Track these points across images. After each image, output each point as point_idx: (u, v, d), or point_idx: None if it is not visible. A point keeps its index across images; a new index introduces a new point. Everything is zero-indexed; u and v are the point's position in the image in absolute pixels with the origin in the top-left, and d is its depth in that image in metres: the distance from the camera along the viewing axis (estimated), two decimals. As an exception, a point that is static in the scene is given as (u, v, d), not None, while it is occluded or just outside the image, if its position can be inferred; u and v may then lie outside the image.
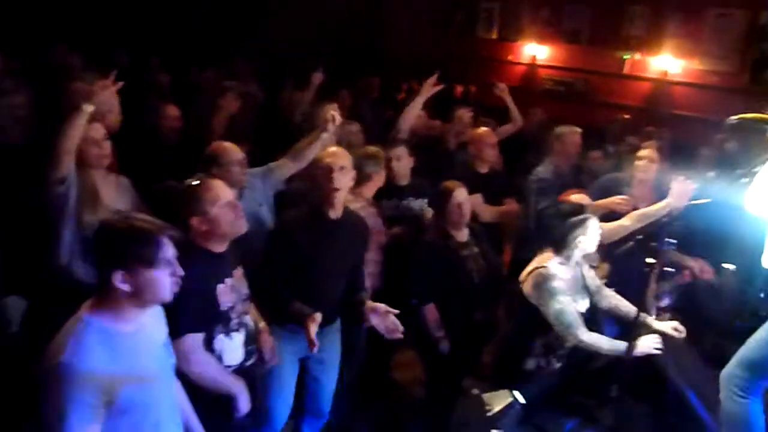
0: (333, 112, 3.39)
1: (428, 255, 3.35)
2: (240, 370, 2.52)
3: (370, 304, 2.80)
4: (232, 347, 2.49)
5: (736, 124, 1.81)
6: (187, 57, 7.34)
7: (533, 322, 3.05)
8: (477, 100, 8.39)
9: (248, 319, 2.59)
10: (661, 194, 3.59)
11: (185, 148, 4.03)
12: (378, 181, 3.57)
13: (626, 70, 8.40)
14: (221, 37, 7.70)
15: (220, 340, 2.43)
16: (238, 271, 2.56)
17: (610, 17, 8.58)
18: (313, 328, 2.57)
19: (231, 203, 2.42)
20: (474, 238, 3.46)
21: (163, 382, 1.98)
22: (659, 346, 2.91)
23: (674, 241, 2.83)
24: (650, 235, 2.86)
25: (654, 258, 2.65)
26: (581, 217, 3.13)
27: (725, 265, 3.56)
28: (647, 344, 2.90)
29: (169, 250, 1.82)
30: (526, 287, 3.08)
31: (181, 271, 1.87)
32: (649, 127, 6.42)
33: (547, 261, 3.08)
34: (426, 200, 3.78)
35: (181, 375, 2.18)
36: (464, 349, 3.37)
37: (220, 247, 2.44)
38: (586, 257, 3.16)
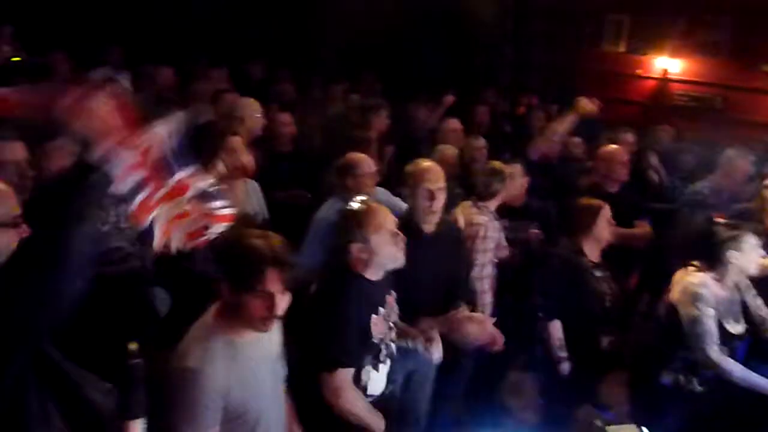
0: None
1: (560, 269, 3.27)
2: (380, 400, 2.51)
3: (466, 313, 2.75)
4: (378, 378, 2.47)
5: None
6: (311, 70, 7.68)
7: (676, 331, 2.89)
8: (599, 114, 8.06)
9: (393, 348, 2.53)
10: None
11: (309, 160, 4.19)
12: (503, 196, 3.54)
13: (772, 85, 7.74)
14: (348, 51, 7.98)
15: (368, 372, 2.40)
16: (391, 297, 2.51)
17: (753, 28, 7.95)
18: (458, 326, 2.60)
19: (394, 233, 2.36)
20: (606, 261, 3.33)
21: (274, 392, 2.03)
22: None
23: None
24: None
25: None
26: (735, 232, 2.92)
27: None
28: None
29: (275, 283, 1.81)
30: (674, 293, 2.92)
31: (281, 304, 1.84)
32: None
33: (700, 273, 2.92)
34: (536, 223, 3.69)
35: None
36: (586, 374, 3.24)
37: (376, 276, 2.39)
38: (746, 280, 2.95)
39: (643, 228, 4.18)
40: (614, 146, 4.40)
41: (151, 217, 1.61)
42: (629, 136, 5.31)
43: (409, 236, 2.84)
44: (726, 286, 2.91)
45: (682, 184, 4.95)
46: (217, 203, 1.67)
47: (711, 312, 2.79)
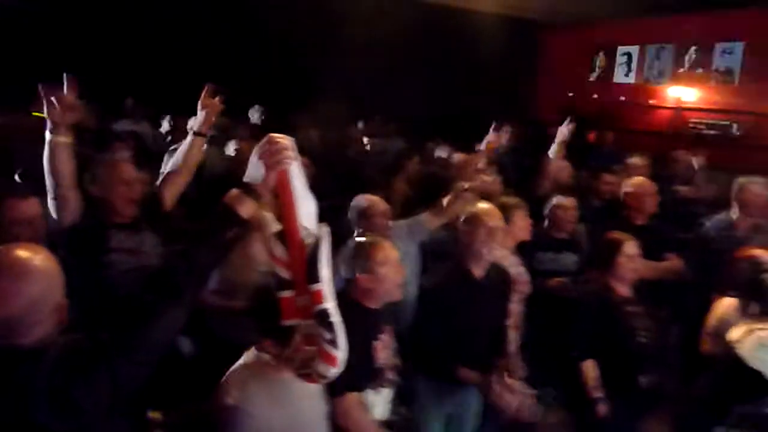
0: (479, 167, 3.40)
1: (590, 306, 3.19)
2: (384, 426, 2.51)
3: (507, 380, 2.75)
4: (379, 402, 2.50)
5: None
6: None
7: (741, 387, 2.76)
8: (613, 146, 8.06)
9: (395, 375, 2.59)
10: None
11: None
12: (520, 231, 3.49)
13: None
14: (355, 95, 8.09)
15: (368, 395, 2.45)
16: (389, 328, 2.60)
17: (765, 54, 7.96)
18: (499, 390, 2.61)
19: (396, 266, 2.46)
20: (638, 295, 3.24)
21: (316, 427, 2.04)
22: None
23: None
24: None
25: None
26: None
27: None
28: None
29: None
30: (745, 349, 2.78)
31: None
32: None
33: (766, 324, 2.77)
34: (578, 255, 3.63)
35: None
36: (625, 414, 3.11)
37: (376, 305, 2.48)
38: None
39: (673, 261, 4.07)
40: (641, 178, 4.33)
41: (292, 323, 1.68)
42: (637, 161, 5.25)
43: (463, 280, 2.89)
44: None
45: (707, 213, 4.87)
46: (329, 335, 1.65)
47: None
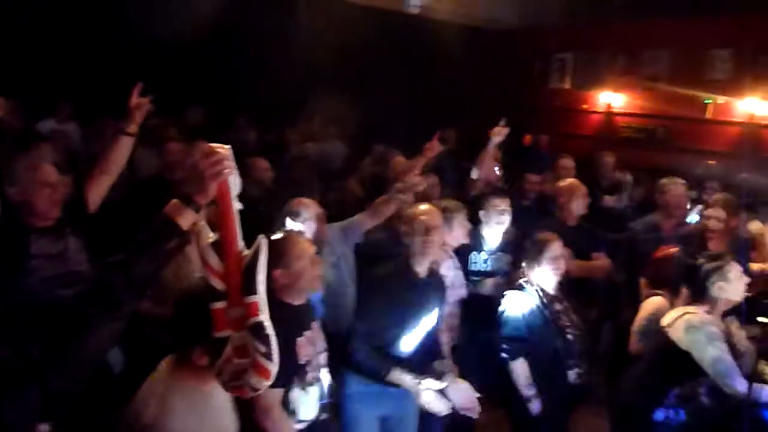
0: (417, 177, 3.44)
1: (518, 307, 3.25)
2: (313, 426, 2.50)
3: (452, 378, 2.78)
4: (307, 402, 2.48)
5: None
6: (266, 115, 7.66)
7: (676, 370, 2.90)
8: (548, 149, 8.32)
9: (324, 373, 2.58)
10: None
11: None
12: (460, 234, 3.53)
13: (709, 114, 8.12)
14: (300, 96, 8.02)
15: (296, 395, 2.43)
16: (315, 324, 2.58)
17: (689, 61, 8.39)
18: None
19: (314, 259, 2.47)
20: (563, 293, 3.33)
21: None
22: None
23: None
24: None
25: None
26: (719, 262, 2.96)
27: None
28: None
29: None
30: (675, 332, 2.91)
31: None
32: (741, 173, 6.15)
33: (695, 306, 2.93)
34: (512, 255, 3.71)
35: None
36: (557, 410, 3.21)
37: (298, 300, 2.47)
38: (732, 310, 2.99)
39: (601, 260, 4.23)
40: (572, 180, 4.47)
41: (223, 334, 1.64)
42: (567, 162, 5.42)
43: (405, 278, 2.89)
44: (717, 318, 2.93)
45: (634, 213, 5.09)
46: (263, 348, 1.63)
47: (725, 346, 2.80)
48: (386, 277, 2.95)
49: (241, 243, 1.64)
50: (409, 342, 2.90)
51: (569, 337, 3.20)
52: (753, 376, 2.28)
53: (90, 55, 7.11)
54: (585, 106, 9.72)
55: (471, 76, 9.87)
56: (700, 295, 2.94)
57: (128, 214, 2.82)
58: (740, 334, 3.01)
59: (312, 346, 2.49)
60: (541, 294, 3.25)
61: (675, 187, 4.34)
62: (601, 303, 4.44)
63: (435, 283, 3.02)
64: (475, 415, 2.71)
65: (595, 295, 4.39)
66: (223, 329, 1.63)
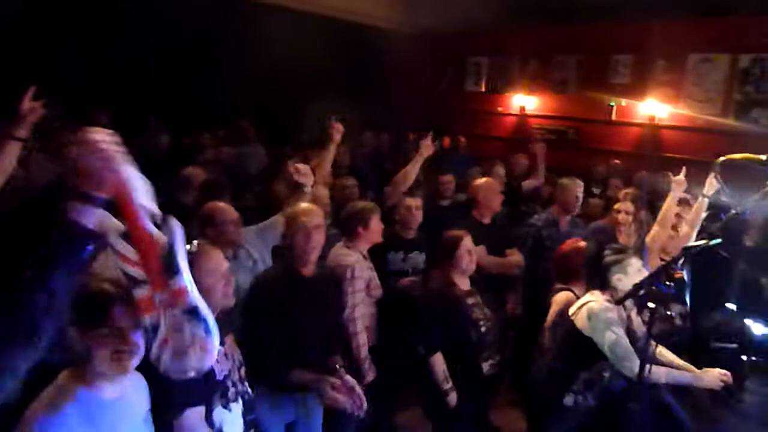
0: (298, 168, 3.41)
1: (434, 303, 3.31)
2: None
3: (340, 375, 2.74)
4: (232, 419, 2.37)
5: (724, 164, 1.83)
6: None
7: (582, 355, 3.03)
8: (466, 150, 8.56)
9: (246, 387, 2.50)
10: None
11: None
12: (373, 235, 3.54)
13: (614, 116, 8.58)
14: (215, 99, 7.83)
15: (219, 413, 2.32)
16: (230, 338, 2.48)
17: (595, 66, 8.83)
18: (332, 392, 2.55)
19: (225, 275, 2.36)
20: (476, 287, 3.42)
21: None
22: (725, 381, 2.93)
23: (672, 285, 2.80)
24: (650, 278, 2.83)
25: (656, 302, 2.60)
26: (620, 256, 3.12)
27: (728, 305, 3.54)
28: (714, 379, 2.92)
29: (122, 318, 1.73)
30: (579, 320, 3.05)
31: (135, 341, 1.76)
32: (641, 171, 6.55)
33: (597, 296, 3.09)
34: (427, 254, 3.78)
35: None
36: (473, 402, 3.29)
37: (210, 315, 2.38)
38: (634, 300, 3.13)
39: (514, 256, 4.38)
40: (486, 179, 4.61)
41: (152, 320, 1.61)
42: (500, 169, 5.61)
43: (290, 279, 2.82)
44: (617, 307, 3.07)
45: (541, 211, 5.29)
46: (203, 328, 1.62)
47: (622, 331, 2.95)
48: (272, 280, 2.89)
49: (152, 228, 1.56)
50: (303, 342, 2.85)
51: (482, 329, 3.28)
52: (647, 359, 2.42)
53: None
54: (500, 109, 10.04)
55: (388, 80, 9.97)
56: (601, 284, 3.11)
57: (24, 224, 2.66)
58: (638, 320, 3.19)
59: (229, 360, 2.40)
60: (455, 289, 3.33)
61: (570, 185, 4.57)
62: (516, 296, 4.60)
63: (323, 281, 2.97)
64: (360, 414, 2.69)
65: (509, 289, 4.55)
66: (151, 311, 1.60)
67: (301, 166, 3.46)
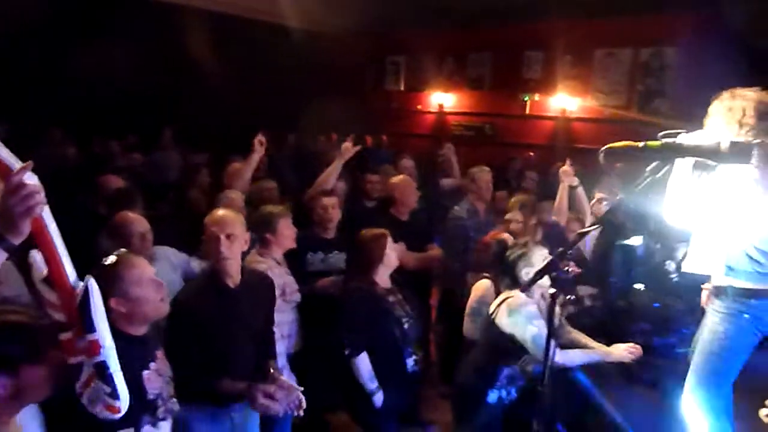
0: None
1: (356, 302, 3.28)
2: None
3: (275, 376, 2.67)
4: None
5: (607, 152, 1.93)
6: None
7: (504, 351, 3.08)
8: (389, 148, 8.62)
9: (174, 404, 2.38)
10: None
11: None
12: (284, 240, 3.46)
13: (528, 111, 8.88)
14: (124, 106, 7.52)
15: (147, 431, 2.22)
16: (161, 353, 2.38)
17: (509, 63, 9.10)
18: (262, 399, 2.50)
19: (155, 282, 2.26)
20: (396, 284, 3.44)
21: None
22: (634, 354, 3.08)
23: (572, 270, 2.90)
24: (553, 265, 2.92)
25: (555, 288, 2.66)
26: (524, 249, 3.18)
27: (636, 285, 3.71)
28: (622, 353, 3.08)
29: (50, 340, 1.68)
30: (500, 317, 3.09)
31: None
32: (557, 162, 6.80)
33: (514, 291, 3.14)
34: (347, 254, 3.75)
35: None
36: (400, 399, 3.29)
37: (140, 330, 2.25)
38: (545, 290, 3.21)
39: (433, 250, 4.43)
40: (403, 176, 4.63)
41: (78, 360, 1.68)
42: (407, 162, 5.65)
43: (214, 291, 2.72)
44: (533, 300, 3.15)
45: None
46: (107, 388, 1.69)
47: (542, 323, 2.97)
48: (196, 294, 2.77)
49: (72, 275, 1.62)
50: (236, 352, 2.77)
51: (405, 326, 3.29)
52: (552, 344, 2.49)
53: None
54: (419, 107, 10.18)
55: (308, 81, 9.91)
56: (514, 281, 3.18)
57: None
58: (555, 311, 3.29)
59: (160, 377, 2.28)
60: (377, 287, 3.32)
61: (482, 174, 4.69)
62: (438, 290, 4.67)
63: (252, 289, 2.87)
64: (300, 413, 2.66)
65: (431, 284, 4.61)
66: (75, 355, 1.65)
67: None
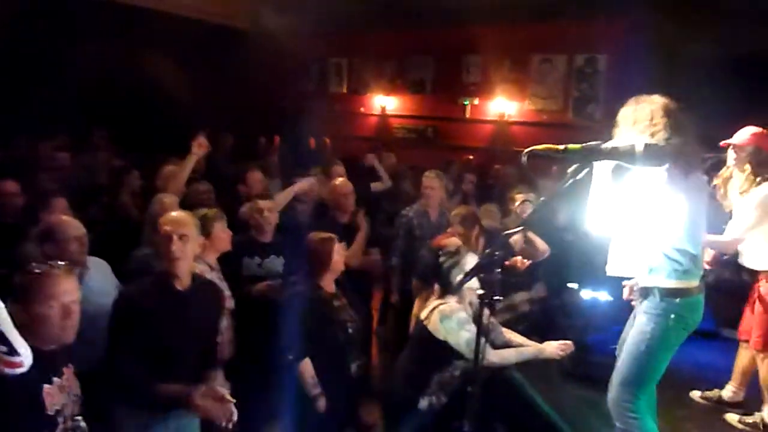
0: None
1: (301, 307, 3.22)
2: None
3: (209, 385, 2.64)
4: None
5: (530, 155, 1.99)
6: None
7: (436, 358, 3.10)
8: (332, 151, 8.58)
9: (81, 423, 2.30)
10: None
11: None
12: (218, 243, 3.40)
13: (468, 114, 9.02)
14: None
15: None
16: (69, 369, 2.29)
17: (449, 67, 9.21)
18: (204, 402, 2.45)
19: (65, 307, 2.17)
20: (339, 288, 3.41)
21: None
22: (565, 349, 3.13)
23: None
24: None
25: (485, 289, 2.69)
26: (456, 257, 3.21)
27: (570, 285, 3.82)
28: (554, 350, 3.14)
29: None
30: (432, 324, 3.10)
31: None
32: (497, 165, 6.94)
33: (446, 298, 3.15)
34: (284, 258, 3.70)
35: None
36: (342, 404, 3.27)
37: (44, 345, 2.15)
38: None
39: (374, 255, 4.45)
40: (340, 179, 4.63)
41: None
42: (338, 168, 5.67)
43: (162, 293, 2.65)
44: (465, 304, 3.19)
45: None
46: (4, 348, 1.87)
47: (474, 328, 2.98)
48: (140, 294, 2.68)
49: None
50: (179, 357, 2.69)
51: (350, 331, 3.27)
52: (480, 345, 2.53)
53: None
54: (362, 109, 10.19)
55: (251, 82, 9.76)
56: (447, 288, 3.20)
57: None
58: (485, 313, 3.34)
59: (63, 393, 2.19)
60: (322, 292, 3.29)
61: (432, 177, 4.77)
62: (382, 292, 4.68)
63: (198, 295, 2.80)
64: (230, 425, 2.61)
65: (372, 288, 4.62)
66: None
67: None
